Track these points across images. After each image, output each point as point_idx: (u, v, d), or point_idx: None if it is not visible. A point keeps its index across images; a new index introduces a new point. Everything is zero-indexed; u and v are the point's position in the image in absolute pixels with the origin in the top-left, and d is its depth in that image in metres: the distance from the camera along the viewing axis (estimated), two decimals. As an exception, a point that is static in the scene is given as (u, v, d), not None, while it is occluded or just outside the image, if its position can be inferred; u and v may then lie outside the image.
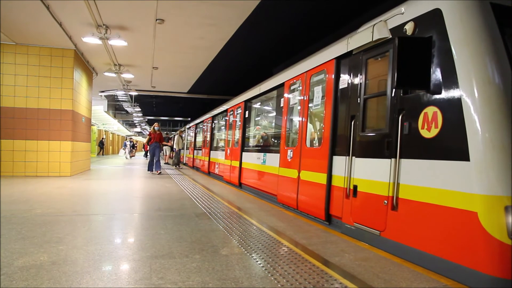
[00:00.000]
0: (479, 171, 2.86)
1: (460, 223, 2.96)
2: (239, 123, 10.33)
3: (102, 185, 9.37)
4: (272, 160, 7.38)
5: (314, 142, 5.85)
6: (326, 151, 5.17)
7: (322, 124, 5.46)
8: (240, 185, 9.70)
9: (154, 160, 13.39)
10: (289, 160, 6.44)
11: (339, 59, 5.12)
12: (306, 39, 10.66)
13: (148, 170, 13.75)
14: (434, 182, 3.25)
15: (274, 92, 8.04)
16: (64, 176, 11.03)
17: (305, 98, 6.04)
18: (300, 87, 6.32)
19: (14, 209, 5.47)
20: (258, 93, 8.88)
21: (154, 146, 13.08)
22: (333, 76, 5.17)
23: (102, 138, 36.43)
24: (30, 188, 8.15)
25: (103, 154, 34.68)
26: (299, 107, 6.35)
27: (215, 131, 15.11)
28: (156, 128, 13.20)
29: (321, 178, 5.21)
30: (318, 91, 5.71)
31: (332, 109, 5.13)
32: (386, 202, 3.81)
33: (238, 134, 10.31)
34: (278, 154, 6.99)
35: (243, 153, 9.69)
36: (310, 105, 5.92)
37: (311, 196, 5.56)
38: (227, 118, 12.31)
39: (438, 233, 3.18)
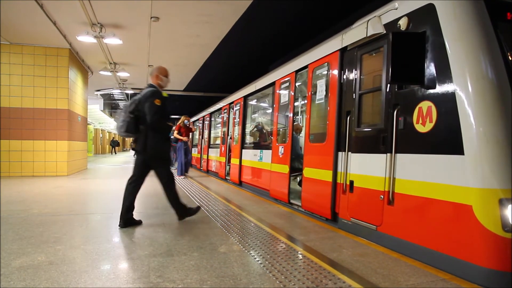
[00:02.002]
0: (474, 165, 2.88)
1: (455, 217, 2.98)
2: (238, 119, 10.25)
3: (99, 185, 9.36)
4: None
5: (316, 138, 5.70)
6: (331, 147, 4.97)
7: (322, 120, 5.38)
8: (240, 183, 9.59)
9: (183, 161, 11.25)
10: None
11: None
12: (302, 36, 10.65)
13: (179, 175, 11.11)
14: (429, 176, 3.27)
15: (271, 89, 8.03)
16: (61, 175, 11.00)
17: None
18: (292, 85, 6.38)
19: (11, 210, 5.46)
20: (254, 90, 8.86)
21: (186, 143, 11.14)
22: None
23: (113, 138, 40.95)
24: (27, 188, 8.13)
25: (115, 153, 37.97)
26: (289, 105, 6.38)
27: (212, 129, 15.07)
28: (186, 122, 11.12)
29: (326, 175, 5.05)
30: (314, 86, 5.69)
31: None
32: (382, 197, 3.83)
33: (237, 131, 10.23)
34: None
35: (243, 150, 9.59)
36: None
37: (315, 194, 5.38)
38: (225, 115, 12.25)
39: (434, 227, 3.20)
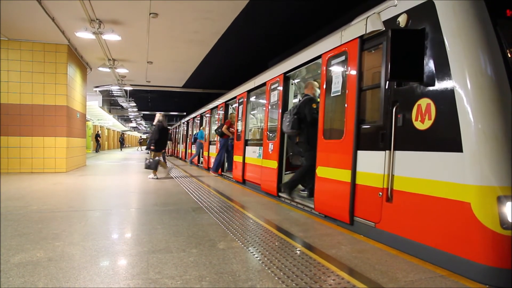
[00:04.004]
0: (472, 162, 2.88)
1: (454, 214, 2.99)
2: (241, 115, 10.10)
3: (98, 181, 9.35)
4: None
5: (331, 134, 5.29)
6: (350, 144, 4.54)
7: (339, 114, 4.97)
8: (244, 182, 9.30)
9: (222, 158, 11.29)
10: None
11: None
12: (301, 32, 10.63)
13: (214, 171, 11.56)
14: (428, 173, 3.27)
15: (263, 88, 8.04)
16: (59, 172, 10.99)
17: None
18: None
19: (10, 206, 5.46)
20: (253, 86, 8.82)
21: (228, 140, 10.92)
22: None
23: (122, 135, 47.70)
24: (26, 184, 8.12)
25: (121, 149, 41.20)
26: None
27: (213, 126, 14.97)
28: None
29: (343, 175, 4.69)
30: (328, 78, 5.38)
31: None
32: (381, 194, 3.83)
33: (240, 127, 10.09)
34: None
35: (247, 147, 9.45)
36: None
37: (332, 195, 4.99)
38: (228, 110, 12.14)
39: (432, 224, 3.21)
